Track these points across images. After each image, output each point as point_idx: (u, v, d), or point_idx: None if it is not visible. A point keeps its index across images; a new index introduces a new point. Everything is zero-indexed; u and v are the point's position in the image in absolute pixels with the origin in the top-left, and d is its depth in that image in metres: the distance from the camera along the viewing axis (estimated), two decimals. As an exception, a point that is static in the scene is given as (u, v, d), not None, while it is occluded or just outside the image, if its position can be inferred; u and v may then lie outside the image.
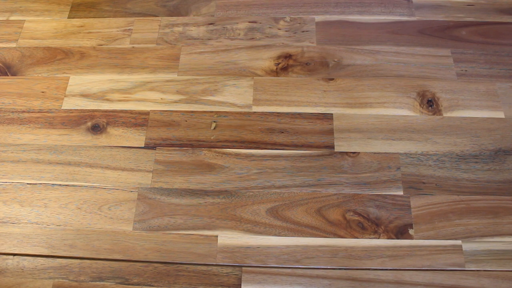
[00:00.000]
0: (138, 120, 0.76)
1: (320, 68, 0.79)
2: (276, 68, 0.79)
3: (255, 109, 0.75)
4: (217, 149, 0.72)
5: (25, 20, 0.88)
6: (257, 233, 0.66)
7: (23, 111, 0.78)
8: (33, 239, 0.67)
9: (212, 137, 0.74)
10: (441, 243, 0.64)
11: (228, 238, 0.66)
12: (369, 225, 0.65)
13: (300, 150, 0.72)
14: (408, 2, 0.86)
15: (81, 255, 0.65)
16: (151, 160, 0.72)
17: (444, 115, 0.74)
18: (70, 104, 0.78)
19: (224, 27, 0.85)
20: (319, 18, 0.85)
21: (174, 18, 0.87)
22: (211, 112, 0.76)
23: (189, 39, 0.84)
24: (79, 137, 0.75)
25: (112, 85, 0.79)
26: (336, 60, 0.80)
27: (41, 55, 0.84)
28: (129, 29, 0.85)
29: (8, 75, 0.82)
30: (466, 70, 0.78)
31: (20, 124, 0.76)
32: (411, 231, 0.65)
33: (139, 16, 0.87)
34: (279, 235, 0.66)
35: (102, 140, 0.74)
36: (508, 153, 0.70)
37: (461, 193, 0.67)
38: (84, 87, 0.79)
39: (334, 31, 0.83)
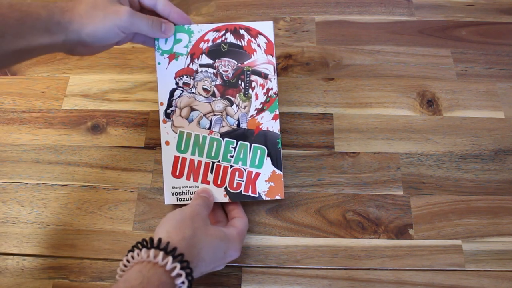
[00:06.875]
0: (138, 120, 0.76)
1: (320, 68, 0.79)
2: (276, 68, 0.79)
3: (255, 109, 0.75)
4: (217, 149, 0.72)
5: (25, 20, 0.88)
6: (257, 233, 0.66)
7: (23, 111, 0.78)
8: (33, 239, 0.67)
9: (212, 137, 0.73)
10: (441, 243, 0.64)
11: (228, 238, 0.66)
12: (369, 225, 0.65)
13: (300, 150, 0.72)
14: (408, 2, 0.86)
15: (81, 255, 0.65)
16: (151, 160, 0.72)
17: (444, 115, 0.74)
18: (70, 104, 0.78)
19: (224, 27, 0.85)
20: (319, 18, 0.85)
21: (174, 18, 0.86)
22: (211, 112, 0.76)
23: (189, 39, 0.83)
24: (79, 137, 0.75)
25: (112, 85, 0.79)
26: (336, 60, 0.80)
27: (41, 55, 0.84)
28: (129, 29, 0.85)
29: (8, 75, 0.82)
30: (466, 70, 0.78)
31: (20, 124, 0.76)
32: (411, 231, 0.65)
33: (139, 16, 0.87)
34: (279, 235, 0.66)
35: (102, 140, 0.74)
36: (508, 153, 0.70)
37: (461, 193, 0.67)
38: (84, 87, 0.79)
39: (334, 31, 0.83)
